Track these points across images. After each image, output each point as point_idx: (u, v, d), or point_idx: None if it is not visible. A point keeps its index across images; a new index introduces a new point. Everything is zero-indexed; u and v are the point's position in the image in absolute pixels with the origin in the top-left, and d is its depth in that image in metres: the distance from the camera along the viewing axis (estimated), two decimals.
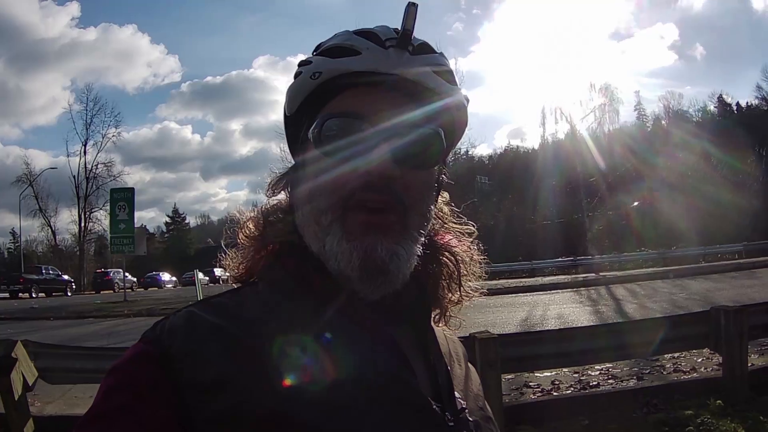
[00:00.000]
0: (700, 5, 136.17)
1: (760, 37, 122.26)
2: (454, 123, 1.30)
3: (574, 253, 52.56)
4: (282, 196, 1.39)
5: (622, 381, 9.96)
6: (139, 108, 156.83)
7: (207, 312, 1.14)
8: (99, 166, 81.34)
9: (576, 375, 10.39)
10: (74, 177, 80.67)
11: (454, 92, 1.27)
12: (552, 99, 61.74)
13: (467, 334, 7.26)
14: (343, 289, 1.18)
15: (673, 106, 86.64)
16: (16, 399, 7.63)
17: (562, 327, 15.04)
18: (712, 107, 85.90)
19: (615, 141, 65.28)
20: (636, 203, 57.15)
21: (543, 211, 66.10)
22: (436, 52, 1.29)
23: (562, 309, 21.69)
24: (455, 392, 1.27)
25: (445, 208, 1.45)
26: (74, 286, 58.45)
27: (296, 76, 1.29)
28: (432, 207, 1.31)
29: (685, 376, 9.83)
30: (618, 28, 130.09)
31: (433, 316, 1.40)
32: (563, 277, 41.37)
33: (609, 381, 10.04)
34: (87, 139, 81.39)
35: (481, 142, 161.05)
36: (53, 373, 8.59)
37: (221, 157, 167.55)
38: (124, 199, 41.30)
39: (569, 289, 31.11)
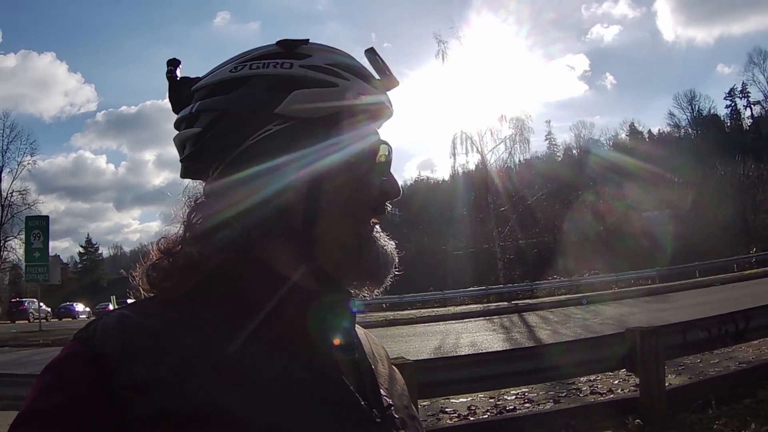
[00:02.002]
0: (611, 37, 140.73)
1: (670, 67, 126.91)
2: None
3: (486, 282, 52.98)
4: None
5: (538, 404, 9.96)
6: (55, 136, 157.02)
7: (139, 314, 1.13)
8: (14, 194, 79.87)
9: (492, 400, 10.33)
10: None
11: None
12: (462, 130, 61.99)
13: None
14: (279, 290, 1.19)
15: (584, 135, 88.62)
16: None
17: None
18: (623, 135, 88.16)
19: (525, 171, 66.14)
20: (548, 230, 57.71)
21: (454, 242, 66.66)
22: None
23: (475, 337, 21.85)
24: (381, 390, 1.29)
25: None
26: None
27: (328, 83, 1.25)
28: None
29: (602, 398, 9.90)
30: (528, 59, 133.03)
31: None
32: (475, 306, 41.61)
33: (525, 405, 10.01)
34: (3, 166, 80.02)
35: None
36: None
37: (134, 188, 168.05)
38: (39, 227, 41.47)
39: (482, 318, 31.40)
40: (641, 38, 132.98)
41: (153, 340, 1.07)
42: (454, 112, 78.62)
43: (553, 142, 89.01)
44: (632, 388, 9.84)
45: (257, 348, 1.12)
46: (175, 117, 1.32)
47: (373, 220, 1.29)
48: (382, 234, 1.32)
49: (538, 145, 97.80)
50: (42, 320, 44.60)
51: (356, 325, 1.40)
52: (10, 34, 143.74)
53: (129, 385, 1.01)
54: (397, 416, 1.26)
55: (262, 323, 1.14)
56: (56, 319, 62.79)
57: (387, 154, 1.31)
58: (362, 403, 1.18)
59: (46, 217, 44.43)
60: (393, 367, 1.50)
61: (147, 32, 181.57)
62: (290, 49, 1.26)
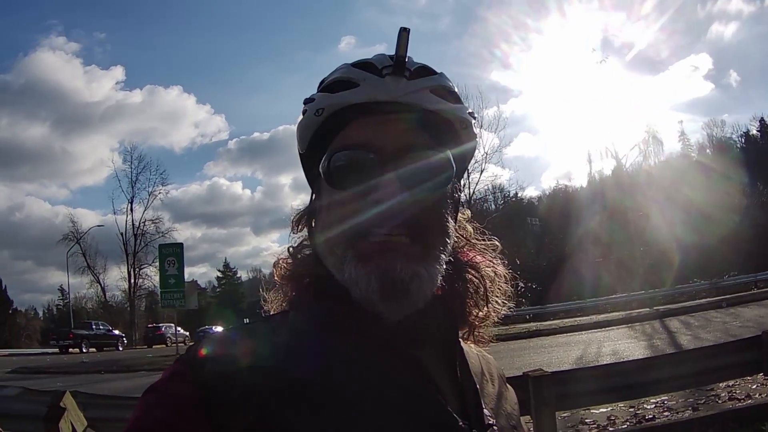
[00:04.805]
0: (730, 34, 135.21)
1: None
2: (461, 140, 1.34)
3: (627, 289, 52.06)
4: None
5: (677, 413, 9.85)
6: (188, 166, 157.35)
7: (238, 335, 1.21)
8: (147, 222, 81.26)
9: (632, 409, 10.28)
10: (122, 234, 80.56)
11: (457, 111, 1.31)
12: (596, 137, 61.55)
13: (521, 373, 7.39)
14: (365, 314, 1.19)
15: (716, 134, 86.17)
16: None
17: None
18: (754, 131, 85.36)
19: (661, 173, 64.73)
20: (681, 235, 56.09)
21: (594, 249, 65.44)
22: (436, 74, 1.33)
23: (617, 345, 21.62)
24: (484, 410, 1.26)
25: (468, 226, 1.46)
26: (125, 341, 58.29)
27: (303, 114, 1.33)
28: (451, 224, 1.30)
29: (739, 404, 9.74)
30: (653, 62, 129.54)
31: (461, 333, 1.41)
32: (617, 314, 40.70)
33: (665, 414, 9.93)
34: (133, 196, 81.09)
35: (529, 184, 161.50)
36: (103, 424, 8.51)
37: (272, 212, 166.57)
38: (173, 254, 41.01)
39: (623, 325, 30.92)
40: (760, 32, 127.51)
41: (249, 360, 1.12)
42: (586, 120, 78.09)
43: (687, 143, 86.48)
44: None
45: (350, 371, 1.14)
46: None
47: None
48: (381, 248, 1.19)
49: (671, 146, 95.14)
50: (180, 344, 44.20)
51: (465, 344, 1.41)
52: (135, 71, 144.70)
53: (225, 401, 1.06)
54: None
55: (355, 348, 1.18)
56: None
57: (349, 160, 1.25)
58: (460, 423, 1.16)
59: (180, 244, 43.96)
60: (506, 385, 1.47)
61: (272, 61, 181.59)
62: (319, 86, 1.37)
